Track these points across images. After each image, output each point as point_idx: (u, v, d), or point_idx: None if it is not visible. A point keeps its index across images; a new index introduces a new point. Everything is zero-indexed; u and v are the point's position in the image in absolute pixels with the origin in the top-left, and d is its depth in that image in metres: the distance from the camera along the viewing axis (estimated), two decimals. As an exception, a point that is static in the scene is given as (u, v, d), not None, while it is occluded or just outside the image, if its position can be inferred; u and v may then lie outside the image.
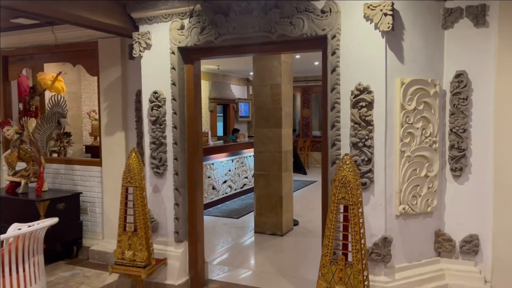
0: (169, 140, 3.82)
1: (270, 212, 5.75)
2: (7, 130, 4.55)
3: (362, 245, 2.78)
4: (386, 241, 3.09)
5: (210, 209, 7.26)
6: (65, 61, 5.25)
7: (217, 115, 13.41)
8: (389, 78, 3.06)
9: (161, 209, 3.90)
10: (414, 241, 3.26)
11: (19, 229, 3.08)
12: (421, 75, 3.19)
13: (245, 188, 8.55)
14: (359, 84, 3.06)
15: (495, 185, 3.20)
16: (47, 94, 6.05)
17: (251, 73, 6.00)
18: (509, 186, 3.14)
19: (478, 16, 3.17)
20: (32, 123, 4.57)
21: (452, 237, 3.33)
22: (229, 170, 8.12)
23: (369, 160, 3.08)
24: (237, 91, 14.12)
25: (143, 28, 3.85)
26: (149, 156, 3.90)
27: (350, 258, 2.82)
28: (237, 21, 3.44)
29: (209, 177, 7.45)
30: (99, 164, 4.77)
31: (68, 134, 5.62)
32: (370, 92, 3.05)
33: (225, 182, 7.96)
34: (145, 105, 3.90)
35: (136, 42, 3.85)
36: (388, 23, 2.95)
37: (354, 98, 3.08)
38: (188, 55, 3.79)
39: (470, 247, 3.29)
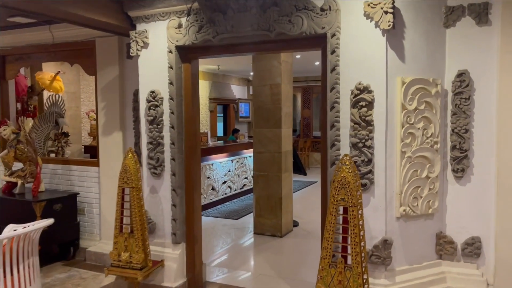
0: (167, 140, 3.77)
1: (270, 213, 5.71)
2: (4, 130, 4.51)
3: (362, 248, 2.73)
4: (386, 244, 3.03)
5: (209, 209, 7.22)
6: (63, 60, 5.21)
7: (217, 115, 13.38)
8: (389, 78, 3.01)
9: (158, 210, 3.86)
10: (415, 244, 3.21)
11: (14, 230, 3.04)
12: (422, 74, 3.14)
13: (245, 188, 8.51)
14: (359, 84, 3.01)
15: (498, 186, 3.15)
16: (45, 94, 6.01)
17: (252, 73, 5.96)
18: (512, 187, 3.09)
19: (481, 14, 3.12)
20: (28, 123, 4.53)
21: (453, 239, 3.28)
22: (229, 171, 8.07)
23: (369, 161, 3.03)
24: (237, 91, 14.09)
25: (140, 27, 3.80)
26: (147, 156, 3.86)
27: (349, 261, 2.77)
28: (235, 19, 3.39)
29: (208, 177, 7.40)
30: (97, 164, 4.72)
31: (66, 134, 5.57)
32: (370, 92, 3.00)
33: (224, 182, 7.91)
34: (142, 105, 3.86)
35: (133, 41, 3.81)
36: (389, 21, 2.89)
37: (354, 97, 3.03)
38: (186, 54, 3.75)
39: (472, 249, 3.24)
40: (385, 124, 3.01)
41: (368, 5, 2.95)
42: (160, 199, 3.85)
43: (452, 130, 3.25)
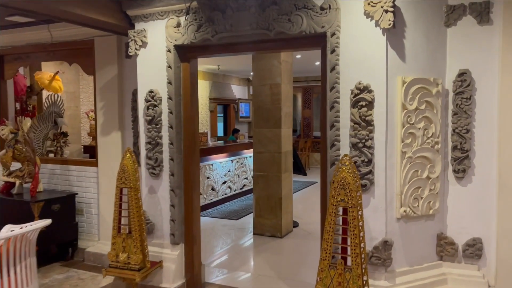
0: (165, 140, 3.74)
1: (270, 214, 5.68)
2: (2, 129, 4.49)
3: (362, 249, 2.70)
4: (386, 245, 3.01)
5: (209, 210, 7.20)
6: (61, 59, 5.19)
7: (218, 115, 13.35)
8: (390, 77, 2.98)
9: (157, 211, 3.83)
10: (416, 245, 3.18)
11: (12, 231, 3.01)
12: (423, 74, 3.11)
13: (245, 189, 8.48)
14: (359, 83, 2.98)
15: (499, 187, 3.12)
16: (44, 94, 5.99)
17: (252, 73, 5.94)
18: (513, 188, 3.06)
19: (482, 13, 3.09)
20: (27, 122, 4.50)
21: (454, 240, 3.25)
22: (229, 171, 8.05)
23: (369, 161, 3.00)
24: (237, 91, 14.06)
25: (139, 26, 3.78)
26: (145, 156, 3.83)
27: (349, 262, 2.74)
28: (234, 18, 3.37)
29: (208, 177, 7.38)
30: (95, 164, 4.69)
31: (65, 134, 5.55)
32: (370, 91, 2.97)
33: (224, 183, 7.88)
34: (141, 104, 3.83)
35: (132, 40, 3.78)
36: (389, 20, 2.87)
37: (354, 97, 3.00)
38: (185, 53, 3.72)
39: (473, 250, 3.21)
40: (386, 124, 2.98)
41: (368, 4, 2.92)
42: (158, 199, 3.82)
43: (453, 130, 3.22)
